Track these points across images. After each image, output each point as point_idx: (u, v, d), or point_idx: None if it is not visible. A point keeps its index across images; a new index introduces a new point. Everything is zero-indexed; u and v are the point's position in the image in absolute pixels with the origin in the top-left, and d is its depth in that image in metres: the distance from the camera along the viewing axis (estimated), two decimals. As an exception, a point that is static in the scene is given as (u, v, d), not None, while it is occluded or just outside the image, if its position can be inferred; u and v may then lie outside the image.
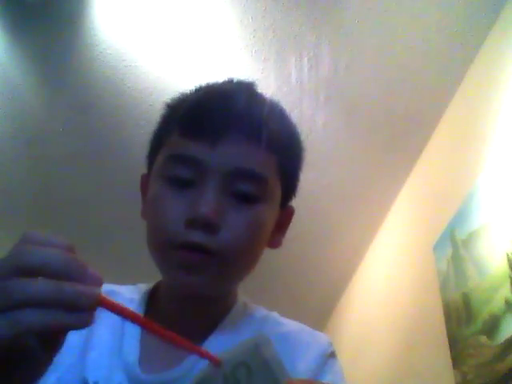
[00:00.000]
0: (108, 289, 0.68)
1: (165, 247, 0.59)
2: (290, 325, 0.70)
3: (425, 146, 2.23)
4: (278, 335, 0.65)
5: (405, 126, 2.15)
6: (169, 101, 0.69)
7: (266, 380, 0.33)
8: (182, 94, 0.68)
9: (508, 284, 1.42)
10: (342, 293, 3.21)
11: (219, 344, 0.61)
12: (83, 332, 0.45)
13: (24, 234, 0.39)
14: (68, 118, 2.27)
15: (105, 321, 0.63)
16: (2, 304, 0.36)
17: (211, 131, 0.60)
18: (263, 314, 0.71)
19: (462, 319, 1.68)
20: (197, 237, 0.57)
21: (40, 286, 0.36)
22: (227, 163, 0.59)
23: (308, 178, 2.76)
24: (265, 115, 0.64)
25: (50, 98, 2.19)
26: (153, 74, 2.00)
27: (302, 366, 0.62)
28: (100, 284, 0.39)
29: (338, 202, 2.60)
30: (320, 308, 3.29)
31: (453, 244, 1.80)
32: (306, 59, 1.93)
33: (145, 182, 0.69)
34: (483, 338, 1.54)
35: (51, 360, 0.42)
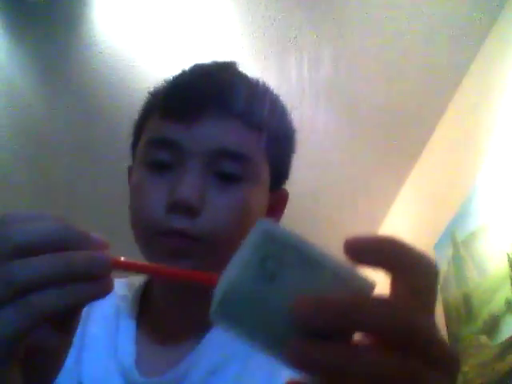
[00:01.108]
0: None
1: (148, 235, 0.57)
2: None
3: (425, 146, 2.23)
4: None
5: (405, 126, 2.15)
6: (151, 89, 0.67)
7: (300, 261, 0.28)
8: (165, 80, 0.66)
9: (508, 284, 1.42)
10: (342, 293, 3.21)
11: (217, 340, 0.60)
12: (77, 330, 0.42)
13: (3, 215, 0.34)
14: (68, 117, 2.27)
15: (96, 317, 0.61)
16: (4, 294, 0.31)
17: (186, 110, 0.58)
18: None
19: (462, 319, 1.68)
20: (177, 222, 0.54)
21: (43, 261, 0.32)
22: (204, 143, 0.57)
23: (308, 178, 2.77)
24: (245, 92, 0.61)
25: (50, 97, 2.19)
26: (152, 73, 2.00)
27: (285, 377, 0.61)
28: (107, 247, 0.36)
29: (338, 202, 2.60)
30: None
31: (453, 244, 1.80)
32: (306, 59, 1.93)
33: (131, 173, 0.67)
34: (483, 338, 1.54)
35: (70, 344, 0.38)
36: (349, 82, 2.00)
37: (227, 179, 0.57)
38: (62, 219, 0.35)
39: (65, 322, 0.37)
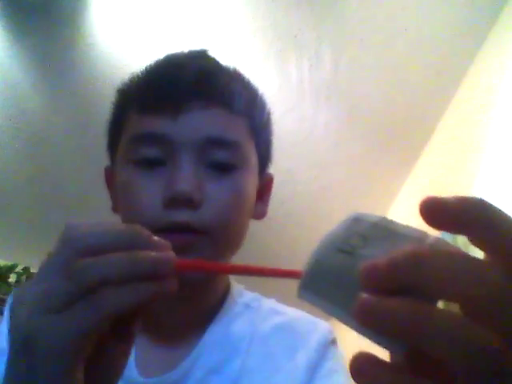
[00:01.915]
0: None
1: None
2: (288, 313, 0.67)
3: (425, 146, 2.23)
4: (276, 325, 0.63)
5: (405, 126, 2.15)
6: (119, 85, 0.65)
7: (383, 235, 0.28)
8: (133, 76, 0.64)
9: (508, 284, 1.42)
10: (343, 292, 3.21)
11: (216, 338, 0.60)
12: None
13: (67, 222, 0.36)
14: (68, 117, 2.27)
15: None
16: (76, 290, 0.32)
17: (170, 102, 0.56)
18: (259, 303, 0.68)
19: (462, 319, 1.68)
20: (180, 216, 0.53)
21: (113, 260, 0.33)
22: (194, 133, 0.55)
23: (308, 178, 2.75)
24: (224, 79, 0.60)
25: (50, 97, 2.19)
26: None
27: (303, 357, 0.60)
28: (170, 248, 0.36)
29: (338, 202, 2.60)
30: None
31: (453, 244, 1.80)
32: (306, 59, 1.93)
33: (109, 174, 0.65)
34: (484, 338, 1.54)
35: (129, 354, 0.39)
36: (349, 81, 2.00)
37: (221, 169, 0.56)
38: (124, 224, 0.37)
39: (126, 331, 0.38)
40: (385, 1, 1.73)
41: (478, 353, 0.22)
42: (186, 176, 0.53)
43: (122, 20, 1.85)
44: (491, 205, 0.26)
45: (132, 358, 0.57)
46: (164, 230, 0.53)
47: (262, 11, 1.78)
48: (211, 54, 0.64)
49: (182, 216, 0.53)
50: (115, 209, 0.63)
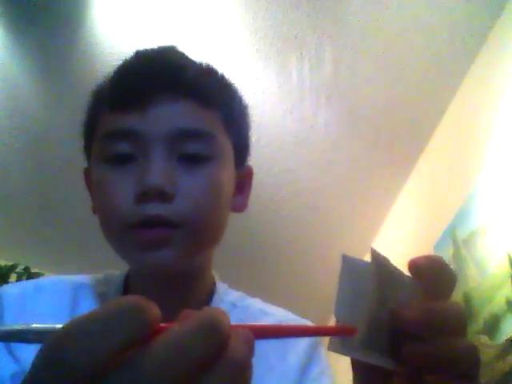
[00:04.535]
0: (76, 280, 0.64)
1: (120, 230, 0.54)
2: (276, 314, 0.67)
3: (426, 145, 2.23)
4: None
5: (406, 125, 2.15)
6: (92, 88, 0.65)
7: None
8: (106, 77, 0.64)
9: (509, 284, 1.42)
10: (343, 292, 3.21)
11: None
12: None
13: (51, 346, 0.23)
14: (68, 117, 2.27)
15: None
16: None
17: (138, 97, 0.56)
18: (246, 302, 0.67)
19: (462, 319, 1.67)
20: (152, 209, 0.52)
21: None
22: (163, 127, 0.55)
23: (309, 178, 2.75)
24: (193, 72, 0.59)
25: (50, 97, 2.19)
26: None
27: (293, 358, 0.60)
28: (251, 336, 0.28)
29: (338, 202, 2.59)
30: (322, 307, 3.29)
31: (454, 243, 1.80)
32: (306, 58, 1.93)
33: (87, 175, 0.65)
34: (484, 338, 1.54)
35: None
36: (349, 81, 2.00)
37: (193, 160, 0.56)
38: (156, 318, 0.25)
39: None
40: (385, 1, 1.73)
41: None
42: (157, 169, 0.53)
43: (123, 19, 1.85)
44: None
45: None
46: (137, 226, 0.53)
47: (262, 11, 1.78)
48: (180, 49, 0.65)
49: (154, 209, 0.53)
50: (94, 209, 0.63)
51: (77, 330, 0.23)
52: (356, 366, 0.37)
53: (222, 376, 0.24)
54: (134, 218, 0.53)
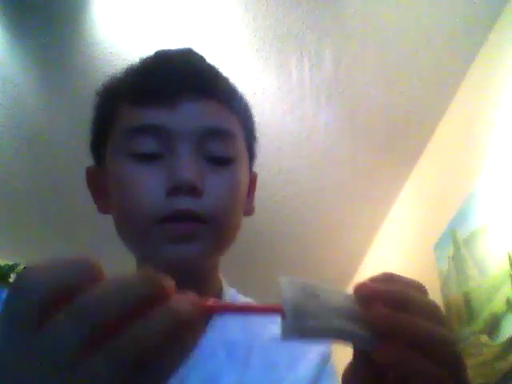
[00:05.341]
0: None
1: (147, 223, 0.54)
2: None
3: (425, 146, 2.23)
4: (275, 335, 0.61)
5: (406, 126, 2.15)
6: (103, 84, 0.65)
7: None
8: (120, 72, 0.63)
9: (509, 283, 1.42)
10: (343, 292, 3.21)
11: (211, 345, 0.57)
12: None
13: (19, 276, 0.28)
14: (68, 117, 2.27)
15: None
16: (87, 340, 0.26)
17: (167, 92, 0.56)
18: None
19: (462, 318, 1.68)
20: (184, 203, 0.53)
21: (155, 324, 0.27)
22: (191, 124, 0.56)
23: (309, 178, 2.74)
24: (215, 75, 0.61)
25: (50, 97, 2.19)
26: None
27: (303, 370, 0.59)
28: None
29: (339, 202, 2.59)
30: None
31: (454, 243, 1.80)
32: (306, 58, 1.93)
33: (92, 175, 0.64)
34: (484, 338, 1.54)
35: None
36: (349, 82, 2.00)
37: (219, 160, 0.57)
38: (96, 265, 0.30)
39: None
40: (385, 1, 1.73)
41: None
42: (188, 165, 0.54)
43: (123, 19, 1.85)
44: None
45: None
46: (167, 220, 0.54)
47: (262, 11, 1.78)
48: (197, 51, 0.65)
49: (186, 204, 0.53)
50: (103, 209, 0.62)
51: (41, 266, 0.29)
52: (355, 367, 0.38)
53: (157, 320, 0.27)
54: (165, 212, 0.53)
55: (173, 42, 1.87)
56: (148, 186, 0.54)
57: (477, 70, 1.85)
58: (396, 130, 2.17)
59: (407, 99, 2.04)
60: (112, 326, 0.27)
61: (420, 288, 0.37)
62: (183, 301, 0.29)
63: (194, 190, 0.53)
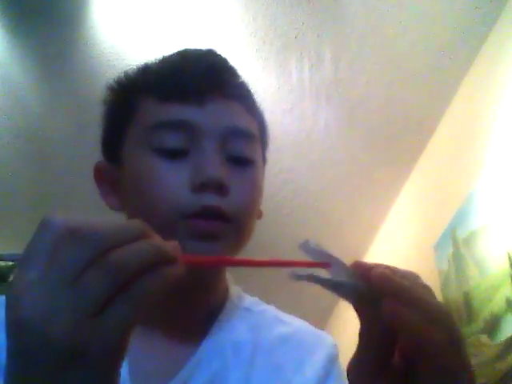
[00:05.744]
0: None
1: (172, 219, 0.53)
2: (292, 323, 0.65)
3: (425, 146, 2.23)
4: (281, 336, 0.61)
5: (406, 126, 2.15)
6: (117, 79, 0.64)
7: None
8: (142, 65, 0.63)
9: (509, 283, 1.42)
10: (343, 292, 3.21)
11: (216, 344, 0.57)
12: None
13: (68, 224, 0.32)
14: (68, 117, 2.27)
15: None
16: (113, 287, 0.31)
17: (196, 89, 0.56)
18: (260, 308, 0.66)
19: (462, 318, 1.68)
20: (211, 200, 0.53)
21: (144, 247, 0.32)
22: (219, 121, 0.56)
23: (309, 178, 2.75)
24: (237, 76, 0.62)
25: (50, 97, 2.19)
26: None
27: (310, 371, 0.58)
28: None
29: (339, 202, 2.60)
30: (321, 306, 3.29)
31: (453, 243, 1.80)
32: (306, 59, 1.93)
33: (101, 170, 0.63)
34: (484, 337, 1.54)
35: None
36: (349, 82, 2.00)
37: (240, 162, 0.57)
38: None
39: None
40: (385, 1, 1.73)
41: None
42: (216, 162, 0.54)
43: (123, 20, 1.85)
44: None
45: (126, 369, 0.53)
46: (193, 216, 0.53)
47: (262, 11, 1.79)
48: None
49: (213, 200, 0.53)
50: (114, 205, 0.61)
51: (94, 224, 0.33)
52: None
53: (134, 248, 0.32)
54: (192, 208, 0.53)
55: (173, 42, 1.87)
56: (174, 180, 0.54)
57: (477, 70, 1.85)
58: (396, 129, 2.17)
59: (407, 99, 2.04)
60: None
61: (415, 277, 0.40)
62: (166, 243, 0.34)
63: (221, 188, 0.53)
